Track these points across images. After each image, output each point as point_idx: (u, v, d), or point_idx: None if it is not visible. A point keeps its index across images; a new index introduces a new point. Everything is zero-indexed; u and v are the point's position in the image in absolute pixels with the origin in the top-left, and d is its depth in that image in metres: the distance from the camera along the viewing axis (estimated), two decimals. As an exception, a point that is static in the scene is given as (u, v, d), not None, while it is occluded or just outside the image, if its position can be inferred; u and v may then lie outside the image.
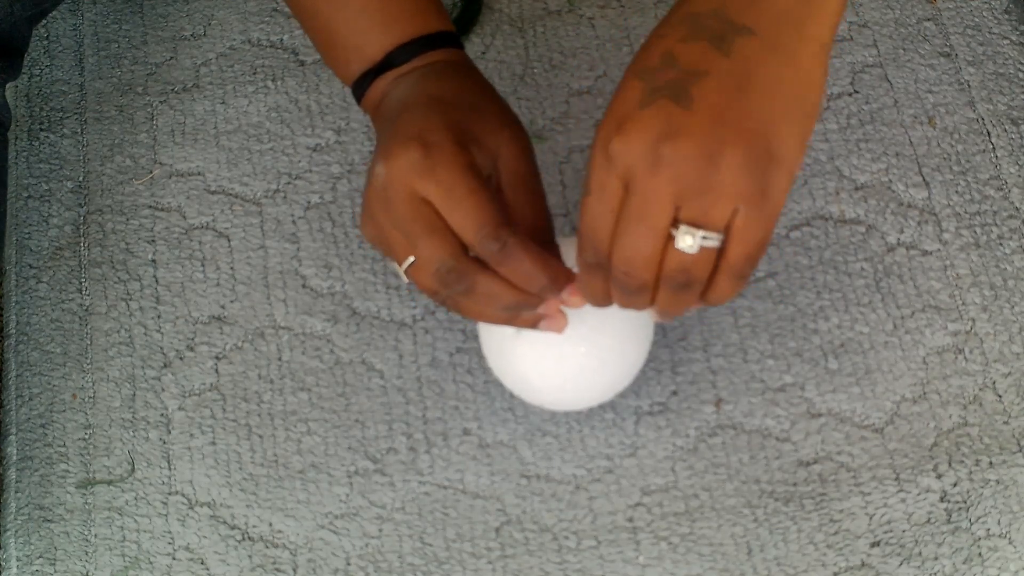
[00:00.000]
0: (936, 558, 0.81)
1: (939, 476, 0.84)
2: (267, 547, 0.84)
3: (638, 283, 0.66)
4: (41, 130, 1.00)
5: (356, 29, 0.78)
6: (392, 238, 0.72)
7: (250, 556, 0.84)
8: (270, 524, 0.85)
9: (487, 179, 0.73)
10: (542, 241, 0.74)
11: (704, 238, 0.63)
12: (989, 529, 0.82)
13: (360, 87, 0.79)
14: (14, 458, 0.88)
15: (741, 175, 0.62)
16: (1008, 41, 0.99)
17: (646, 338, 0.81)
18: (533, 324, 0.74)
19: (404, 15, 0.78)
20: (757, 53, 0.63)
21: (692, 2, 0.64)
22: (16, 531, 0.86)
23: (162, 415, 0.88)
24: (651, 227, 0.63)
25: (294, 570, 0.83)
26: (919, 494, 0.83)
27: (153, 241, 0.95)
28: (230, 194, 0.96)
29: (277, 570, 0.83)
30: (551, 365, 0.79)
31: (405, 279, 0.73)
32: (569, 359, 0.78)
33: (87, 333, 0.92)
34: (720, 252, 0.65)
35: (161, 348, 0.91)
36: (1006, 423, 0.86)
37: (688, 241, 0.63)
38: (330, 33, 0.79)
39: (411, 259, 0.71)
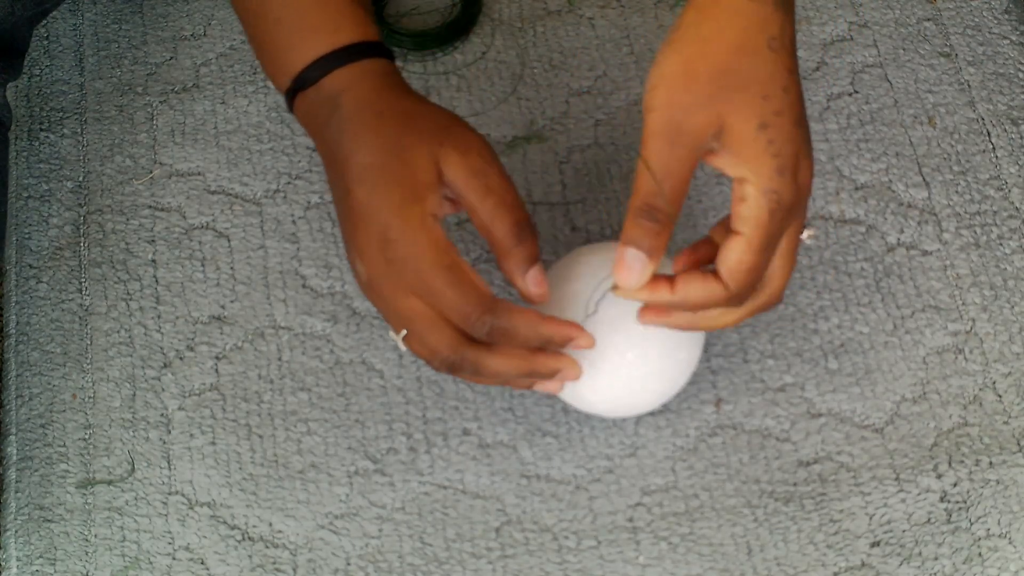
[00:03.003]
0: (936, 558, 0.81)
1: (939, 476, 0.84)
2: (267, 547, 0.84)
3: (780, 301, 0.74)
4: (41, 130, 1.00)
5: (273, 41, 0.76)
6: (389, 320, 0.74)
7: (250, 556, 0.84)
8: (270, 524, 0.85)
9: (447, 208, 0.73)
10: (522, 236, 0.73)
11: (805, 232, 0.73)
12: (989, 529, 0.82)
13: (289, 99, 0.77)
14: (14, 458, 0.88)
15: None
16: (1008, 41, 0.99)
17: (698, 343, 0.81)
18: (551, 378, 0.77)
19: (322, 26, 0.75)
20: (797, 83, 0.70)
21: (789, 25, 0.69)
22: (16, 531, 0.86)
23: (162, 415, 0.88)
24: (797, 251, 0.73)
25: (294, 570, 0.83)
26: (919, 494, 0.83)
27: (153, 241, 0.95)
28: (230, 194, 0.96)
29: (277, 570, 0.83)
30: (601, 376, 0.79)
31: (404, 347, 0.75)
32: (619, 368, 0.78)
33: (87, 333, 0.92)
34: None
35: (161, 348, 0.91)
36: (1006, 423, 0.86)
37: (804, 235, 0.73)
38: (255, 42, 0.78)
39: (404, 331, 0.73)
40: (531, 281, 0.74)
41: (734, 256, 0.70)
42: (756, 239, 0.69)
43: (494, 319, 0.71)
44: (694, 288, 0.71)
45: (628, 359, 0.78)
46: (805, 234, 0.73)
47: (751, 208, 0.68)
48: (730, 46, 0.67)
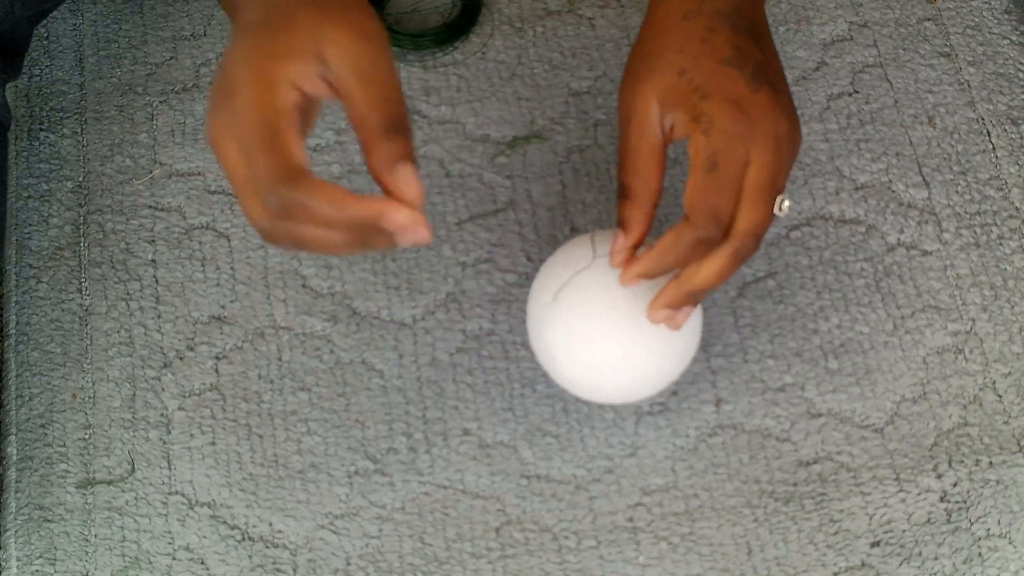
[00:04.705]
0: (936, 558, 0.81)
1: (939, 476, 0.84)
2: (267, 547, 0.84)
3: (753, 251, 0.74)
4: (41, 130, 1.00)
5: None
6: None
7: (250, 556, 0.84)
8: (270, 524, 0.85)
9: (320, 88, 0.68)
10: (395, 130, 0.68)
11: (786, 203, 0.74)
12: (989, 529, 0.82)
13: None
14: (14, 458, 0.88)
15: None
16: (1008, 41, 0.99)
17: (694, 331, 0.81)
18: (389, 243, 0.67)
19: None
20: (768, 40, 0.75)
21: (714, 1, 0.74)
22: (16, 531, 0.86)
23: (162, 415, 0.88)
24: (771, 200, 0.73)
25: (294, 570, 0.83)
26: (919, 494, 0.83)
27: (153, 241, 0.95)
28: (230, 194, 0.96)
29: (277, 570, 0.83)
30: (572, 360, 0.80)
31: None
32: (590, 352, 0.79)
33: (87, 333, 0.92)
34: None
35: (161, 348, 0.91)
36: (1006, 423, 0.86)
37: (785, 208, 0.74)
38: None
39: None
40: (401, 178, 0.66)
41: (687, 187, 0.72)
42: (699, 162, 0.72)
43: (289, 191, 0.65)
44: (663, 236, 0.75)
45: (598, 343, 0.79)
46: (784, 204, 0.74)
47: (690, 140, 0.72)
48: (650, 32, 0.76)
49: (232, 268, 0.93)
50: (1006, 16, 1.00)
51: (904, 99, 0.97)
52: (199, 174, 0.97)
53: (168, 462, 0.87)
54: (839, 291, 0.90)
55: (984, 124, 0.96)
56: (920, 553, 0.82)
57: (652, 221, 0.76)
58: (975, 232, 0.92)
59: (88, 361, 0.91)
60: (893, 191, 0.93)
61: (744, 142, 0.71)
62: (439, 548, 0.83)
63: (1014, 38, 0.99)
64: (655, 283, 0.77)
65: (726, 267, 0.74)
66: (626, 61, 0.76)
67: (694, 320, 0.81)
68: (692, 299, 0.76)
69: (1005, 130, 0.95)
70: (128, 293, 0.93)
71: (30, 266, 0.94)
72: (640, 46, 0.76)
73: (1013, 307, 0.89)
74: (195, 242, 0.94)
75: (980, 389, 0.87)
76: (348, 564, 0.83)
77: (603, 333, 0.78)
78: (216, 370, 0.90)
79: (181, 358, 0.90)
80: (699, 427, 0.86)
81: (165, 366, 0.90)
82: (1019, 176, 0.94)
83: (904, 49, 0.99)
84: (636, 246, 0.76)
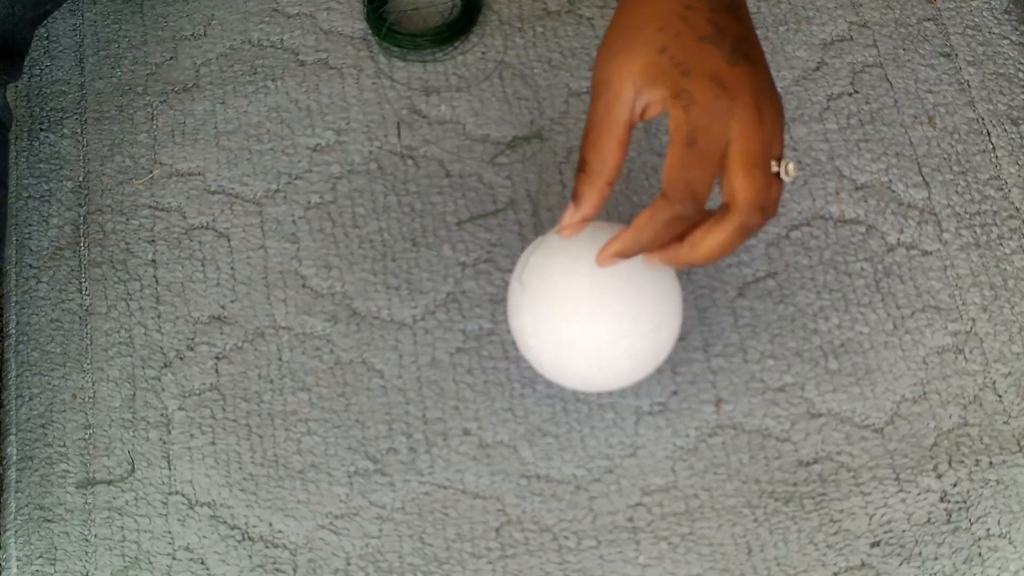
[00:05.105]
0: (936, 558, 0.81)
1: (939, 476, 0.84)
2: (267, 547, 0.84)
3: (760, 224, 0.74)
4: (41, 130, 1.00)
5: None
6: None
7: (250, 556, 0.84)
8: (270, 524, 0.85)
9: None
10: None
11: (790, 165, 0.74)
12: (989, 529, 0.82)
13: None
14: (14, 458, 0.88)
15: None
16: (1008, 41, 0.99)
17: (667, 312, 0.81)
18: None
19: None
20: (746, 15, 0.75)
21: None
22: (16, 531, 0.86)
23: (162, 415, 0.88)
24: (768, 170, 0.73)
25: (294, 570, 0.83)
26: (919, 494, 0.83)
27: (153, 241, 0.95)
28: (230, 194, 0.96)
29: (277, 570, 0.83)
30: (544, 344, 0.80)
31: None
32: (557, 336, 0.80)
33: (87, 333, 0.92)
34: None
35: (161, 348, 0.91)
36: (1006, 423, 0.86)
37: (791, 171, 0.74)
38: None
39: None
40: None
41: (665, 162, 0.73)
42: (678, 138, 0.72)
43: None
44: (639, 215, 0.75)
45: (564, 326, 0.79)
46: (790, 167, 0.74)
47: (670, 116, 0.72)
48: (628, 8, 0.75)
49: (232, 268, 0.93)
50: (1006, 16, 1.00)
51: (904, 99, 0.97)
52: (199, 174, 0.97)
53: (168, 462, 0.87)
54: (839, 291, 0.90)
55: (984, 124, 0.96)
56: (920, 553, 0.82)
57: (605, 199, 0.76)
58: (975, 232, 0.92)
59: (88, 361, 0.91)
60: (893, 191, 0.93)
61: (724, 118, 0.72)
62: (439, 548, 0.83)
63: (1014, 38, 0.99)
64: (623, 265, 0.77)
65: (729, 240, 0.74)
66: (604, 36, 0.76)
67: (669, 302, 0.80)
68: (678, 263, 0.77)
69: (1005, 130, 0.95)
70: (128, 293, 0.93)
71: (30, 266, 0.94)
72: (618, 20, 0.75)
73: (1013, 307, 0.89)
74: (195, 242, 0.94)
75: (980, 389, 0.87)
76: (348, 564, 0.83)
77: (568, 315, 0.79)
78: (216, 370, 0.90)
79: (181, 358, 0.90)
80: (699, 427, 0.86)
81: (165, 366, 0.90)
82: (1019, 176, 0.94)
83: (904, 49, 0.99)
84: (586, 220, 0.76)
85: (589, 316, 0.78)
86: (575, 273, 0.78)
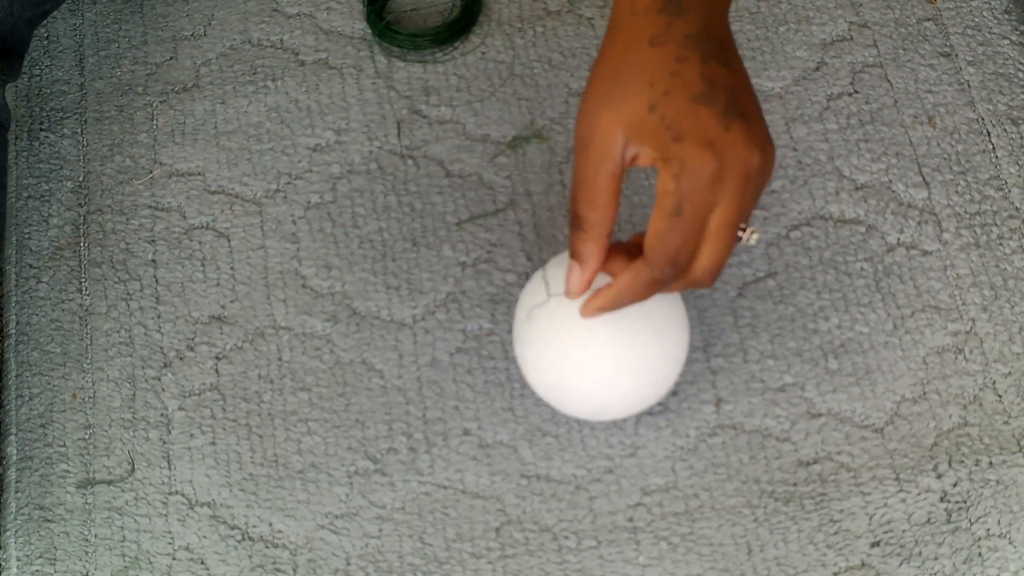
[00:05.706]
0: (936, 558, 0.81)
1: (939, 476, 0.84)
2: (267, 547, 0.84)
3: (708, 287, 0.74)
4: (41, 130, 1.00)
5: None
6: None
7: (250, 556, 0.84)
8: (270, 524, 0.85)
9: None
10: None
11: (755, 235, 0.75)
12: (989, 529, 0.82)
13: None
14: (14, 458, 0.88)
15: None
16: (1008, 41, 0.99)
17: (651, 348, 0.81)
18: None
19: None
20: (736, 60, 0.72)
21: (682, 23, 0.71)
22: (16, 531, 0.86)
23: (162, 415, 0.88)
24: (733, 235, 0.72)
25: (294, 570, 0.83)
26: (919, 494, 0.83)
27: (153, 241, 0.95)
28: (230, 194, 0.96)
29: (277, 570, 0.83)
30: (548, 377, 0.81)
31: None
32: (561, 370, 0.80)
33: (87, 333, 0.92)
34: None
35: (161, 348, 0.91)
36: (1006, 423, 0.86)
37: (753, 240, 0.74)
38: None
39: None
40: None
41: (650, 227, 0.72)
42: (665, 204, 0.71)
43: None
44: (618, 265, 0.75)
45: (569, 360, 0.80)
46: (754, 237, 0.74)
47: (659, 179, 0.71)
48: (614, 55, 0.73)
49: (232, 268, 0.93)
50: (1006, 16, 1.00)
51: (904, 99, 0.97)
52: (199, 174, 0.97)
53: (168, 462, 0.87)
54: (839, 291, 0.90)
55: (984, 124, 0.96)
56: (920, 553, 0.82)
57: (607, 252, 0.75)
58: (975, 232, 0.92)
59: (88, 361, 0.91)
60: (893, 191, 0.93)
61: (714, 186, 0.70)
62: (439, 548, 0.83)
63: (1014, 38, 0.99)
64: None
65: (645, 289, 0.74)
66: (587, 81, 0.74)
67: (669, 352, 0.81)
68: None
69: (1005, 130, 0.95)
70: (128, 293, 0.93)
71: (30, 266, 0.95)
72: (603, 67, 0.73)
73: (1013, 307, 0.89)
74: (195, 242, 0.94)
75: (980, 389, 0.87)
76: (348, 564, 0.83)
77: (571, 363, 0.80)
78: (216, 370, 0.90)
79: (181, 358, 0.90)
80: (699, 427, 0.86)
81: (165, 366, 0.90)
82: (1019, 176, 0.94)
83: (904, 49, 0.99)
84: (592, 279, 0.76)
85: (595, 361, 0.79)
86: (570, 329, 0.79)
